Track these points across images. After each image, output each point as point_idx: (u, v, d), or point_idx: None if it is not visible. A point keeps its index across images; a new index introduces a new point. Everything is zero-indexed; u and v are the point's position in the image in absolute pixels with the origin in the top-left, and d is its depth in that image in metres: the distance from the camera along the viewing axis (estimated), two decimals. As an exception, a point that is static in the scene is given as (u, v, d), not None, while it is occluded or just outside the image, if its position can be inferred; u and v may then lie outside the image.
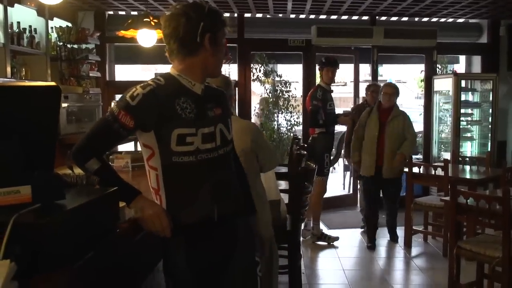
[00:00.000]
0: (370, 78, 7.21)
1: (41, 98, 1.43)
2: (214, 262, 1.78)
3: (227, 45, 5.32)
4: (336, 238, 5.20)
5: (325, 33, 6.40)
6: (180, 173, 1.70)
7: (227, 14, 6.46)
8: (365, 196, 5.18)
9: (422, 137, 7.21)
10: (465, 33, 7.20)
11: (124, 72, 7.99)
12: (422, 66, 7.36)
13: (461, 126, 6.63)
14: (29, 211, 1.23)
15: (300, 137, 6.12)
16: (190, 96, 1.73)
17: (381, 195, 5.09)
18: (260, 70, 7.59)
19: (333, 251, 4.99)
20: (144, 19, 4.46)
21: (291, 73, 8.22)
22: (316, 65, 5.89)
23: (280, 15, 6.76)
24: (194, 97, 1.74)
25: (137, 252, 1.85)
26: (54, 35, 5.56)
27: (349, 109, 6.30)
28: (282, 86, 7.73)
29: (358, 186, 6.01)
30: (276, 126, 7.59)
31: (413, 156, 5.80)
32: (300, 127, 7.29)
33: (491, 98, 6.73)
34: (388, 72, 14.13)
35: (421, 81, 8.86)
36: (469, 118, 7.04)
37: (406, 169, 4.97)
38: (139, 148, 2.14)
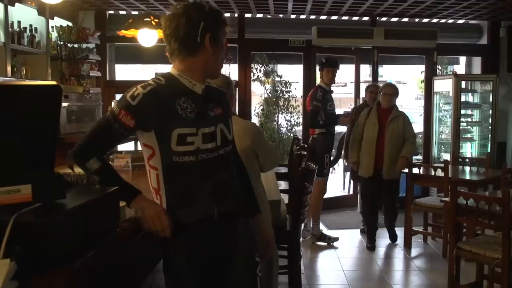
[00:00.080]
0: (370, 79, 7.21)
1: (42, 97, 1.43)
2: (214, 262, 1.78)
3: (228, 45, 5.33)
4: (336, 239, 5.20)
5: (326, 34, 6.41)
6: (181, 173, 1.70)
7: (227, 14, 6.46)
8: (364, 197, 5.16)
9: (422, 138, 7.21)
10: (465, 34, 7.20)
11: (124, 72, 7.99)
12: (422, 67, 7.36)
13: (461, 127, 6.64)
14: (30, 211, 1.23)
15: (300, 137, 6.12)
16: (191, 96, 1.72)
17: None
18: (260, 70, 7.61)
19: (333, 251, 4.99)
20: (145, 19, 4.47)
21: (291, 73, 8.22)
22: (317, 65, 5.89)
23: (281, 15, 6.76)
24: (195, 97, 1.74)
25: (137, 252, 1.85)
26: (54, 35, 5.56)
27: (349, 110, 6.30)
28: (282, 87, 7.74)
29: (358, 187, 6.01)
30: (276, 127, 7.60)
31: (413, 157, 5.80)
32: (300, 128, 7.29)
33: (491, 99, 6.74)
34: (388, 73, 14.12)
35: (421, 82, 8.86)
36: (469, 119, 7.04)
37: (405, 170, 4.97)
38: (139, 148, 2.14)
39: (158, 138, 1.69)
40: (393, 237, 5.16)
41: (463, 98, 6.75)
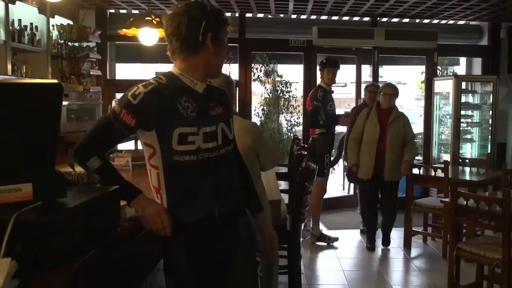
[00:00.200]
0: (370, 79, 7.20)
1: (43, 95, 1.43)
2: (214, 262, 1.78)
3: (228, 44, 5.32)
4: (336, 239, 5.20)
5: (326, 34, 6.41)
6: (181, 172, 1.70)
7: (228, 14, 6.44)
8: (363, 198, 5.13)
9: (422, 139, 7.21)
10: (465, 35, 7.21)
11: (124, 71, 7.98)
12: (422, 68, 7.36)
13: (461, 128, 6.64)
14: (30, 209, 1.23)
15: (300, 137, 6.12)
16: (192, 95, 1.72)
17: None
18: (261, 70, 7.60)
19: (333, 251, 4.99)
20: (146, 18, 4.47)
21: (292, 73, 8.23)
22: (317, 65, 5.89)
23: (282, 15, 6.76)
24: (196, 96, 1.73)
25: (137, 251, 1.85)
26: (55, 33, 5.55)
27: (349, 110, 6.29)
28: (283, 87, 7.74)
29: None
30: (276, 127, 7.60)
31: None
32: (301, 128, 7.29)
33: (491, 100, 6.74)
34: (389, 74, 14.13)
35: (421, 82, 8.86)
36: (469, 120, 7.04)
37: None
38: (139, 147, 2.13)
39: (159, 137, 1.68)
40: (386, 241, 5.07)
41: (463, 99, 6.75)
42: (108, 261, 1.51)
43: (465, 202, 3.38)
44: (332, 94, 5.31)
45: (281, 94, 7.70)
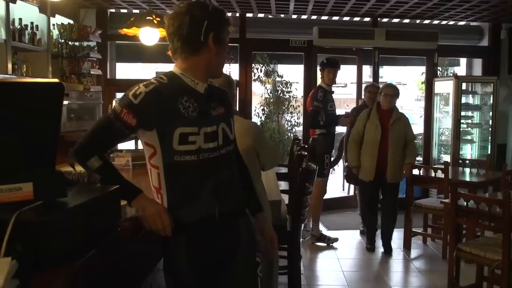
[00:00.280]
0: (371, 79, 7.20)
1: (44, 95, 1.42)
2: (215, 262, 1.78)
3: (229, 44, 5.31)
4: (336, 239, 5.20)
5: (327, 34, 6.41)
6: (182, 172, 1.70)
7: (229, 14, 6.45)
8: (363, 200, 5.11)
9: (422, 139, 7.21)
10: (466, 36, 7.21)
11: (125, 70, 7.98)
12: (423, 68, 7.36)
13: (461, 129, 6.64)
14: (31, 209, 1.23)
15: (300, 138, 6.11)
16: (193, 95, 1.72)
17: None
18: (261, 70, 7.60)
19: (333, 252, 4.99)
20: (147, 18, 4.46)
21: (292, 73, 8.23)
22: (317, 66, 5.89)
23: (282, 15, 6.76)
24: (197, 96, 1.73)
25: (137, 251, 1.85)
26: (55, 32, 5.55)
27: (349, 111, 6.29)
28: (283, 87, 7.74)
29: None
30: (277, 127, 7.59)
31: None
32: (301, 128, 7.29)
33: (491, 101, 6.75)
34: (389, 74, 14.15)
35: (422, 83, 8.86)
36: (469, 121, 7.04)
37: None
38: (140, 147, 2.13)
39: (159, 137, 1.68)
40: (388, 248, 4.93)
41: (463, 100, 6.75)
42: (108, 261, 1.51)
43: (465, 203, 3.38)
44: (333, 95, 5.31)
45: (281, 94, 7.70)
